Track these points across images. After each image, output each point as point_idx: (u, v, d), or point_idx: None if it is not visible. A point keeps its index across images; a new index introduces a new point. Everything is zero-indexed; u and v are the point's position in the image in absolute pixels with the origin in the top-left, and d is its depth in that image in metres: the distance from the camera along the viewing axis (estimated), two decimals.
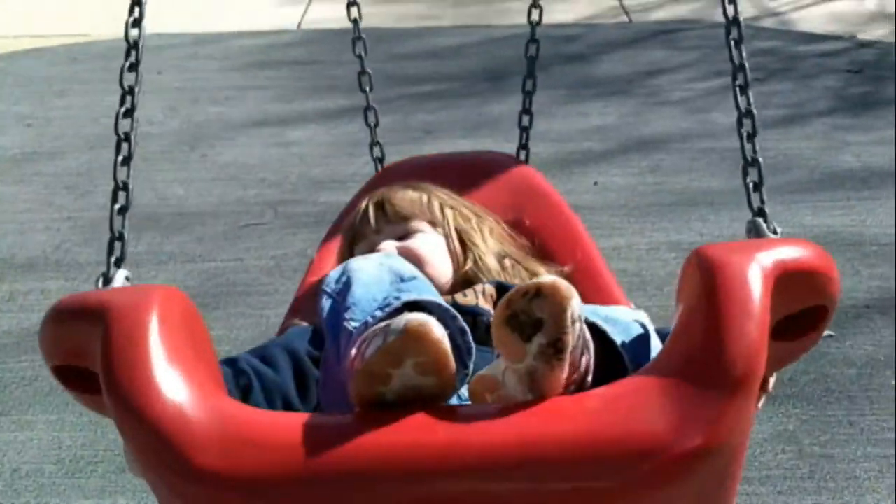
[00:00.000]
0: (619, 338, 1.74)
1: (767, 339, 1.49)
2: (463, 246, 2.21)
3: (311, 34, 7.81)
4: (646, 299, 4.33)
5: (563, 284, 1.50)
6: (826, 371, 3.84)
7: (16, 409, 3.76)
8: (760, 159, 1.97)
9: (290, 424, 1.46)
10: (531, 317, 1.47)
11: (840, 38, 7.40)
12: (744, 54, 2.00)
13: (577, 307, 1.51)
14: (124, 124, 1.90)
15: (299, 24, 7.87)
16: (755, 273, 1.54)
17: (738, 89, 2.00)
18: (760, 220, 1.92)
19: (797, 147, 5.69)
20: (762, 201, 1.94)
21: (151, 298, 1.56)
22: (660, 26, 7.59)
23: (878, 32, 7.47)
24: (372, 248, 2.12)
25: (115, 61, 7.11)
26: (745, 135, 1.98)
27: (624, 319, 1.83)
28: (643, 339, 1.79)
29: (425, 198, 2.26)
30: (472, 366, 1.63)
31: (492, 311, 1.86)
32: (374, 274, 1.80)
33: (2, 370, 3.98)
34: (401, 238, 2.18)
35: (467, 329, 1.65)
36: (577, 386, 1.56)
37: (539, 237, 2.48)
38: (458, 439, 1.40)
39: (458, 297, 2.02)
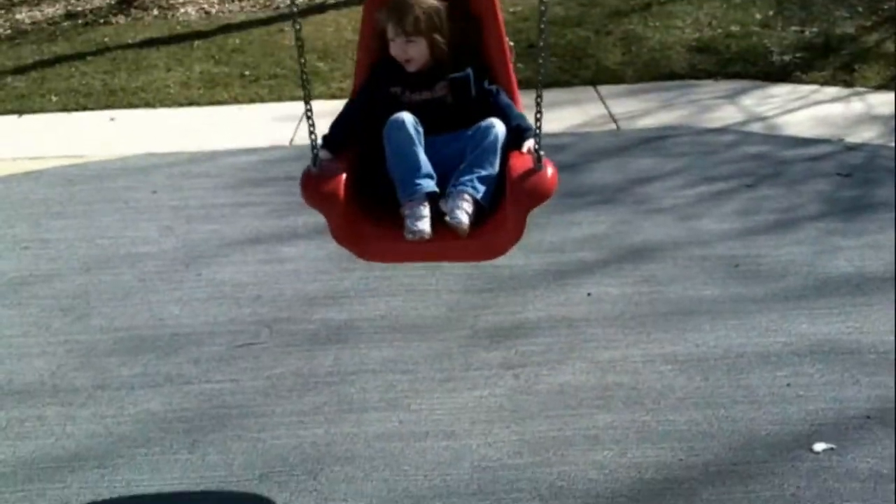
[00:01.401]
0: (482, 196, 3.69)
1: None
2: (433, 46, 3.93)
3: (303, 150, 7.80)
4: (643, 413, 4.32)
5: (462, 228, 3.64)
6: (829, 485, 3.82)
7: None
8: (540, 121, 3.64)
9: (382, 235, 3.77)
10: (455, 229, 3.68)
11: (828, 141, 7.46)
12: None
13: (466, 226, 3.64)
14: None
15: (292, 140, 7.92)
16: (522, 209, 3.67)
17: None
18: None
19: (790, 253, 5.71)
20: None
21: (339, 182, 3.69)
22: (648, 134, 7.66)
23: (866, 135, 7.53)
24: (393, 38, 3.94)
25: (109, 181, 7.20)
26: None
27: (488, 173, 3.73)
28: (490, 184, 3.73)
29: (416, 14, 3.87)
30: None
31: (449, 97, 3.92)
32: (403, 147, 3.75)
33: None
34: (407, 42, 3.92)
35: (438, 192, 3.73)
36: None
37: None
38: (429, 248, 3.70)
39: (433, 94, 3.93)
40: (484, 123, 3.79)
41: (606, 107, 8.37)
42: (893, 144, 7.28)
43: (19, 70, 9.82)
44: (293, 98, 8.85)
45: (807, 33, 9.69)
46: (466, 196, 3.66)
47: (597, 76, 9.06)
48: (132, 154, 7.72)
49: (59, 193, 7.05)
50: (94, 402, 4.61)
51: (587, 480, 3.94)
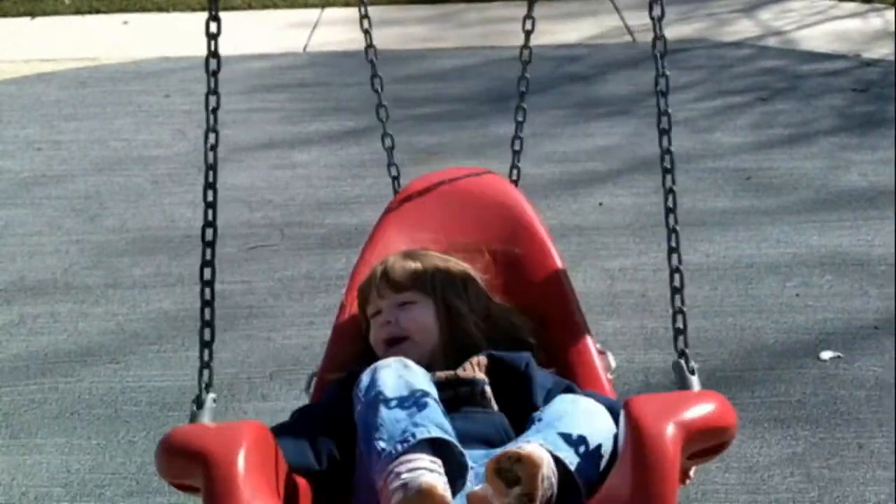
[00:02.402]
0: (574, 463, 2.09)
1: (678, 483, 1.90)
2: (448, 313, 2.56)
3: (316, 57, 7.84)
4: (651, 320, 4.34)
5: (538, 454, 2.01)
6: (835, 393, 3.84)
7: (24, 432, 3.77)
8: (685, 309, 2.32)
9: None
10: (513, 474, 1.99)
11: (844, 56, 7.41)
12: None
13: (546, 469, 2.01)
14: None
15: (305, 46, 7.90)
16: (672, 436, 1.91)
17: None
18: (682, 362, 2.29)
19: (803, 167, 5.70)
20: (686, 344, 2.29)
21: (239, 441, 2.00)
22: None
23: (883, 51, 7.48)
24: (377, 311, 2.57)
25: (123, 84, 7.18)
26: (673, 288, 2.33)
27: (586, 435, 2.15)
28: (594, 456, 2.14)
29: (420, 268, 2.61)
30: (467, 478, 2.13)
31: (485, 379, 2.37)
32: (395, 390, 2.18)
33: (11, 393, 3.99)
34: (400, 305, 2.56)
35: (467, 464, 2.12)
36: None
37: (523, 271, 2.85)
38: None
39: (459, 372, 2.38)
40: (560, 396, 2.33)
41: (622, 18, 8.32)
42: None
43: None
44: (307, 5, 8.82)
45: None
46: (536, 445, 2.08)
47: None
48: (145, 58, 7.70)
49: (71, 95, 7.05)
50: (107, 300, 4.64)
51: None
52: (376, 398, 2.16)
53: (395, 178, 3.38)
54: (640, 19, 8.14)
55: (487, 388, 2.36)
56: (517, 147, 3.35)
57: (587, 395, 2.36)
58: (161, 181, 5.72)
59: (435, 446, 2.08)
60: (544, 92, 6.71)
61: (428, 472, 2.01)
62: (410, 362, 2.28)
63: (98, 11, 8.88)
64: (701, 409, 2.02)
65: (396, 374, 2.22)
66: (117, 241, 5.14)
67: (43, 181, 5.82)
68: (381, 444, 2.09)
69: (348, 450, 2.26)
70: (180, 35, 8.23)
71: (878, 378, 3.93)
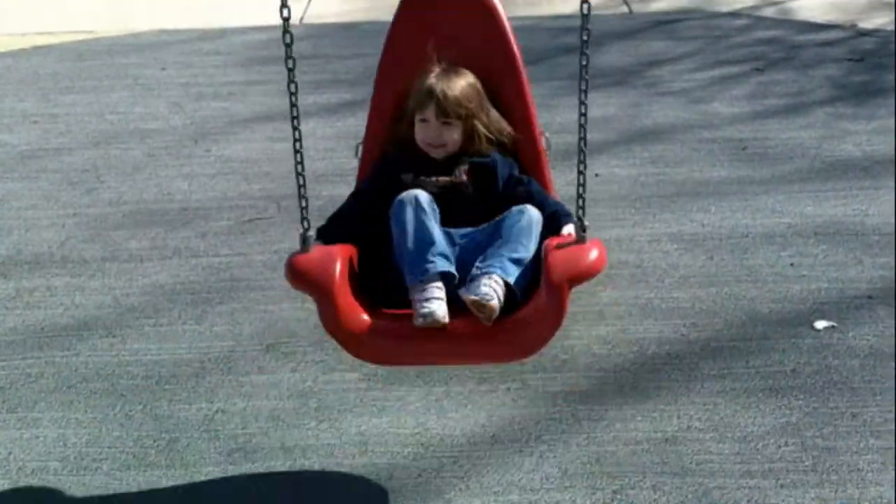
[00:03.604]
0: (519, 282, 3.05)
1: (567, 308, 2.92)
2: (472, 133, 3.41)
3: (312, 29, 7.83)
4: (647, 290, 4.35)
5: (494, 303, 2.96)
6: (829, 362, 3.86)
7: (21, 406, 3.78)
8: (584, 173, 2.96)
9: (385, 327, 3.08)
10: (479, 311, 2.98)
11: (840, 26, 7.40)
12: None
13: (497, 303, 2.98)
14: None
15: (301, 18, 7.89)
16: (567, 283, 2.92)
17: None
18: (579, 223, 3.02)
19: (798, 136, 5.70)
20: (583, 210, 2.99)
21: (334, 263, 3.05)
22: (660, 17, 7.60)
23: (879, 21, 7.47)
24: (424, 119, 3.38)
25: (120, 58, 7.17)
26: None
27: (525, 257, 3.10)
28: (527, 269, 3.09)
29: (459, 100, 3.36)
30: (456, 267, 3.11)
31: (468, 183, 3.34)
32: (414, 226, 3.11)
33: (8, 367, 4.01)
34: (443, 123, 3.36)
35: (456, 275, 3.07)
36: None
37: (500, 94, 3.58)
38: (443, 344, 3.04)
39: (453, 178, 3.34)
40: (515, 208, 3.19)
41: None
42: None
43: None
44: None
45: None
46: (496, 278, 3.01)
47: None
48: (142, 31, 7.69)
49: (68, 69, 7.04)
50: (103, 273, 4.65)
51: (590, 354, 3.98)
52: (406, 226, 3.12)
53: None
54: None
55: (469, 186, 3.34)
56: None
57: (529, 193, 3.34)
58: (157, 154, 5.72)
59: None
60: (541, 63, 6.71)
61: (435, 300, 2.99)
62: (423, 198, 3.14)
63: None
64: (588, 260, 2.97)
65: (414, 213, 3.12)
66: (114, 215, 5.14)
67: (39, 154, 5.82)
68: (408, 276, 3.07)
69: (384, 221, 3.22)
70: (178, 8, 8.22)
71: (871, 347, 3.95)
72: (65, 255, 4.80)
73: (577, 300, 4.30)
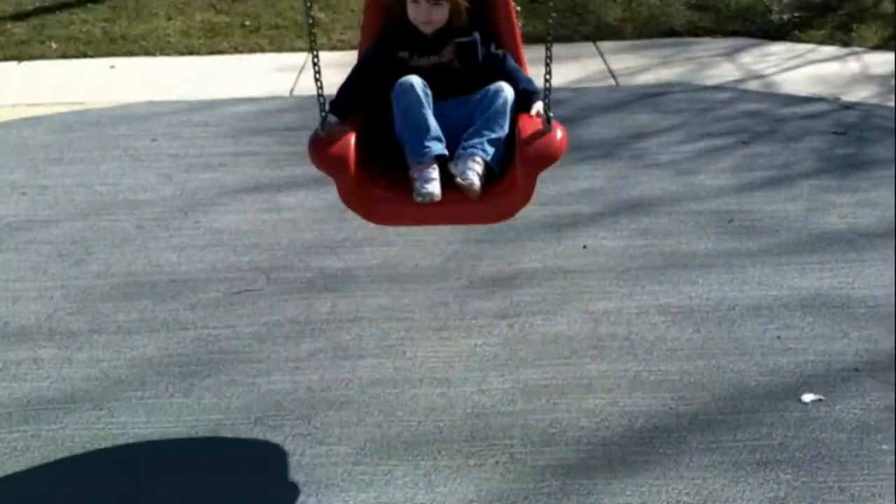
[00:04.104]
0: (495, 159, 3.71)
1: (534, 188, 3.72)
2: (456, 12, 3.94)
3: (303, 100, 7.86)
4: (636, 363, 4.36)
5: (476, 186, 3.62)
6: (816, 436, 3.87)
7: (9, 481, 3.76)
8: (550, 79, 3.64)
9: (391, 198, 3.80)
10: (466, 191, 3.65)
11: (824, 99, 7.48)
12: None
13: (478, 179, 3.63)
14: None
15: (292, 90, 7.93)
16: (537, 168, 3.64)
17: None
18: (547, 114, 3.68)
19: (784, 209, 5.75)
20: (549, 102, 3.67)
21: (349, 147, 3.69)
22: (646, 90, 7.67)
23: (862, 94, 7.55)
24: (416, 1, 3.94)
25: (109, 128, 7.18)
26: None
27: (502, 136, 3.75)
28: (503, 147, 3.74)
29: None
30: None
31: (455, 60, 3.94)
32: (415, 106, 3.74)
33: None
34: (434, 4, 3.91)
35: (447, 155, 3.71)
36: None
37: None
38: (437, 212, 3.74)
39: (441, 60, 3.94)
40: (492, 87, 3.82)
41: (606, 62, 8.37)
42: (893, 104, 7.29)
43: (19, 16, 9.81)
44: (294, 49, 8.86)
45: None
46: (477, 158, 3.68)
47: (597, 32, 9.08)
48: (132, 102, 7.73)
49: (57, 140, 7.06)
50: (91, 345, 4.65)
51: (578, 428, 3.98)
52: (405, 111, 3.76)
53: None
54: (623, 63, 8.22)
55: (456, 62, 3.94)
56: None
57: (504, 69, 3.96)
58: (146, 225, 5.73)
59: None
60: None
61: (432, 181, 3.63)
62: (418, 84, 3.75)
63: (85, 56, 8.90)
64: (554, 147, 3.62)
65: (412, 99, 3.74)
66: (102, 286, 5.14)
67: (27, 226, 5.83)
68: (408, 155, 3.71)
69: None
70: (167, 79, 8.27)
71: (859, 420, 3.96)
72: (52, 327, 4.80)
73: (567, 372, 4.32)
